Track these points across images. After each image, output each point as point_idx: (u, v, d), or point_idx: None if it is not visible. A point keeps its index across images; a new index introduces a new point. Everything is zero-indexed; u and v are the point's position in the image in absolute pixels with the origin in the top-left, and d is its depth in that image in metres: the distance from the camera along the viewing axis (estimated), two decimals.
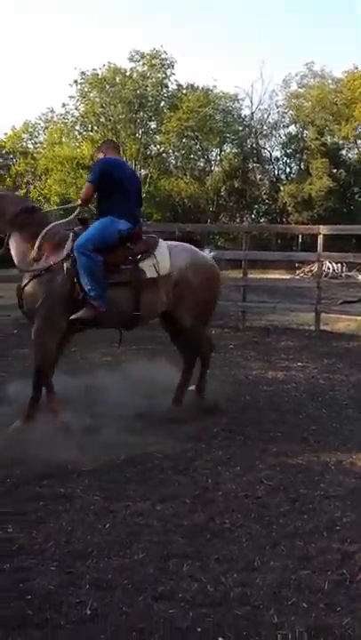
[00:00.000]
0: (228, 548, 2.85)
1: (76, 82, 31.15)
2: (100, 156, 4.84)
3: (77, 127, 33.00)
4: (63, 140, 32.22)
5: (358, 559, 2.76)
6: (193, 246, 4.89)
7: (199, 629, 2.25)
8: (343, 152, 33.85)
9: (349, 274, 20.19)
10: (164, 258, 4.54)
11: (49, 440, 4.02)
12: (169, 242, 4.78)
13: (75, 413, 4.46)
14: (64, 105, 32.35)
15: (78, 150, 31.06)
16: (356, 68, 32.19)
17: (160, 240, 4.69)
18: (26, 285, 4.44)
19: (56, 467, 3.69)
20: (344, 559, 2.76)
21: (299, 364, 7.25)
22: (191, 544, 2.87)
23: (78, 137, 33.03)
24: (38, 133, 34.13)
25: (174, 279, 4.56)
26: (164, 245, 4.62)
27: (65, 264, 4.37)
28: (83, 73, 30.95)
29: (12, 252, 4.60)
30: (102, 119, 31.90)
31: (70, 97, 31.81)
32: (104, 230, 4.46)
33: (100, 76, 30.89)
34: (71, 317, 4.39)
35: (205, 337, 5.05)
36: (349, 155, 34.00)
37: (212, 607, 2.39)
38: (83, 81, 31.07)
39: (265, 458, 3.99)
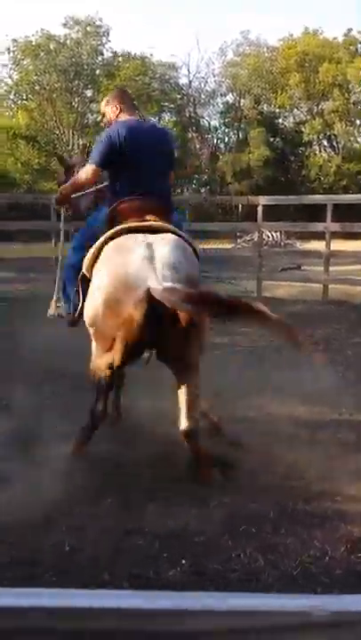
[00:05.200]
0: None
1: (8, 49, 30.26)
2: (110, 113, 3.67)
3: (11, 96, 32.14)
4: None
5: (298, 491, 3.19)
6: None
7: (165, 555, 2.62)
8: (280, 121, 34.37)
9: (288, 242, 20.81)
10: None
11: None
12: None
13: None
14: None
15: (14, 120, 30.27)
16: (291, 36, 32.61)
17: (172, 232, 3.31)
18: None
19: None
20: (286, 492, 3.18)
21: (244, 329, 7.67)
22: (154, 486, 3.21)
23: (13, 106, 32.18)
24: None
25: None
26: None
27: None
28: (15, 40, 30.07)
29: None
30: (37, 87, 31.10)
31: (3, 65, 30.95)
32: (89, 229, 3.74)
33: (33, 44, 30.05)
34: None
35: None
36: (285, 123, 34.56)
37: (174, 538, 2.76)
38: (15, 49, 30.20)
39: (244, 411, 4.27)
